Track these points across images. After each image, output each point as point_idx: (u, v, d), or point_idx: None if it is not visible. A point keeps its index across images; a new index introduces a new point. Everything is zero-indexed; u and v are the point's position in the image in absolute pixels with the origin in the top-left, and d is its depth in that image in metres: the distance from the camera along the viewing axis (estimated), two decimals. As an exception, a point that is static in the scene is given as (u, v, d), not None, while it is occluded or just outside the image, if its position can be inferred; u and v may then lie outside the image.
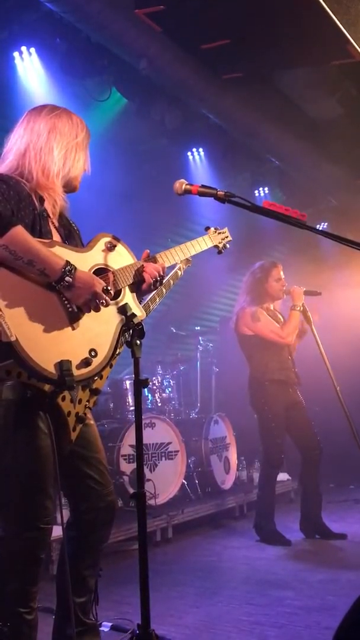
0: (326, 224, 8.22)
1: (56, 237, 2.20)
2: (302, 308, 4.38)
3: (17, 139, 2.22)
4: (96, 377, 2.15)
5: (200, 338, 6.41)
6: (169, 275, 2.72)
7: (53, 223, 2.23)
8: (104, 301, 2.09)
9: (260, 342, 4.47)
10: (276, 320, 4.51)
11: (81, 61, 4.84)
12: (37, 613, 2.14)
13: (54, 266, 2.00)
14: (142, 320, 2.19)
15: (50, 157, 2.19)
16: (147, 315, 2.45)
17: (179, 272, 2.78)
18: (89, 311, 2.09)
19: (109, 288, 2.14)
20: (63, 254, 2.07)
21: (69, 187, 2.29)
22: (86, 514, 2.23)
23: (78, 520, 2.25)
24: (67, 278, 2.01)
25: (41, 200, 2.16)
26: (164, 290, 2.69)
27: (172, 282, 2.74)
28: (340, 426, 4.66)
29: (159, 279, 2.32)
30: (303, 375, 4.69)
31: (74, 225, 2.37)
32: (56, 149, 2.20)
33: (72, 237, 2.30)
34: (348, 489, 6.33)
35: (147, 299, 2.63)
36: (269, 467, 4.52)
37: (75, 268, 2.04)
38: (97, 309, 2.10)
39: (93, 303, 2.07)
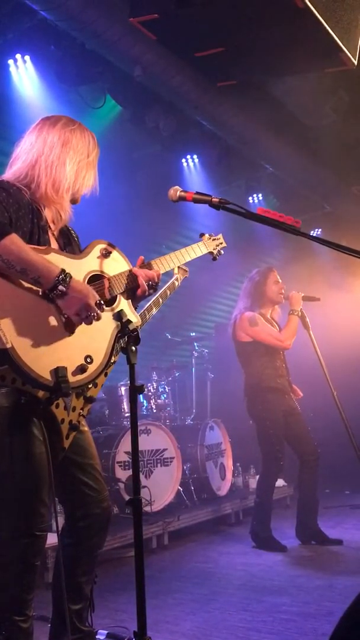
0: (320, 230, 8.26)
1: (54, 245, 2.20)
2: (300, 313, 4.41)
3: (28, 148, 2.22)
4: (90, 385, 2.15)
5: (195, 344, 6.42)
6: (165, 285, 2.72)
7: (52, 232, 2.23)
8: (95, 314, 2.06)
9: (257, 349, 4.48)
10: (272, 327, 4.52)
11: (76, 68, 4.86)
12: (33, 621, 2.13)
13: (48, 274, 2.00)
14: (137, 326, 2.19)
15: (62, 172, 2.19)
16: (143, 325, 2.46)
17: (176, 283, 2.78)
18: (80, 323, 2.06)
19: (102, 302, 2.13)
20: (58, 260, 2.07)
21: (72, 201, 2.29)
22: (81, 521, 2.23)
23: (73, 526, 2.25)
24: (60, 287, 2.00)
25: (42, 209, 2.16)
26: (160, 300, 2.69)
27: (168, 292, 2.75)
28: (335, 432, 4.67)
29: (153, 285, 2.33)
30: (298, 381, 4.70)
31: (73, 232, 2.37)
32: (68, 165, 2.21)
33: (71, 245, 2.30)
34: (344, 495, 6.33)
35: (144, 308, 2.63)
36: (268, 474, 4.51)
37: (71, 277, 2.03)
38: (88, 322, 2.06)
39: (84, 314, 2.04)
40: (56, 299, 2.03)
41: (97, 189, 2.34)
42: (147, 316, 2.62)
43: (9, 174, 2.19)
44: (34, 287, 2.01)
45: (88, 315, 2.05)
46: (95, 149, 2.31)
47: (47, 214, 2.20)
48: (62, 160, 2.20)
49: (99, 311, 2.08)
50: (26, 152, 2.21)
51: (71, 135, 2.23)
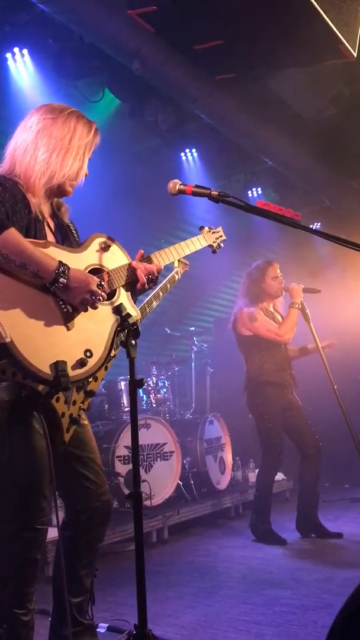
0: (319, 224, 8.24)
1: (51, 239, 2.19)
2: (300, 305, 4.39)
3: (14, 136, 2.20)
4: (91, 379, 2.15)
5: (195, 339, 6.42)
6: (166, 279, 2.72)
7: (49, 225, 2.22)
8: (100, 297, 2.09)
9: (257, 342, 4.47)
10: (274, 320, 4.52)
11: (74, 62, 4.83)
12: (34, 615, 2.13)
13: (47, 268, 1.99)
14: (137, 320, 2.19)
15: (33, 158, 2.13)
16: (143, 318, 2.45)
17: (176, 276, 2.78)
18: (86, 310, 2.09)
19: (103, 283, 2.13)
20: (57, 254, 2.07)
21: (58, 192, 2.23)
22: (82, 514, 2.23)
23: (73, 520, 2.25)
24: (61, 279, 2.01)
25: (34, 201, 2.15)
26: (160, 293, 2.69)
27: (169, 285, 2.74)
28: (335, 425, 4.68)
29: (153, 279, 2.32)
30: (298, 374, 4.70)
31: (72, 226, 2.35)
32: (40, 150, 2.13)
33: (69, 240, 2.28)
34: (343, 488, 6.35)
35: (144, 301, 2.63)
36: (267, 468, 4.52)
37: (69, 268, 2.03)
38: (94, 307, 2.09)
39: (90, 301, 2.07)
40: (58, 292, 2.03)
41: (82, 180, 2.24)
42: (148, 310, 2.62)
43: (4, 167, 2.18)
44: (34, 281, 2.01)
45: (94, 301, 2.06)
46: (84, 137, 2.20)
47: (42, 207, 2.18)
48: (36, 146, 2.13)
49: (102, 293, 2.09)
50: (11, 140, 2.20)
51: (51, 121, 2.16)
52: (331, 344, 4.55)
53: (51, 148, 2.15)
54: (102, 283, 2.12)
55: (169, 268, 2.62)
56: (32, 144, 2.14)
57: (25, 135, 2.16)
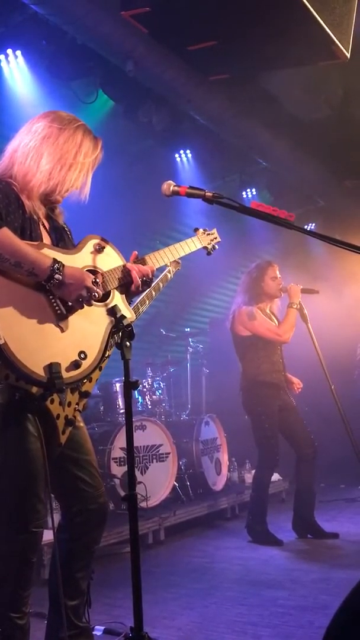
0: (314, 224, 8.26)
1: (46, 240, 2.19)
2: (298, 306, 4.40)
3: (16, 137, 2.19)
4: (85, 380, 2.14)
5: (190, 340, 6.41)
6: (158, 278, 2.71)
7: (44, 226, 2.21)
8: (95, 294, 2.08)
9: (254, 343, 4.48)
10: (271, 321, 4.52)
11: (68, 63, 4.83)
12: (29, 618, 2.12)
13: (41, 265, 1.99)
14: (131, 322, 2.19)
15: (34, 164, 2.13)
16: (136, 318, 2.45)
17: (169, 275, 2.77)
18: (82, 307, 2.08)
19: (98, 280, 2.13)
20: (51, 255, 2.06)
21: (50, 200, 2.23)
22: (78, 516, 2.22)
23: (69, 522, 2.24)
24: (56, 276, 2.01)
25: (27, 202, 2.15)
26: (153, 293, 2.68)
27: (161, 284, 2.74)
28: (331, 426, 4.68)
29: (147, 280, 2.31)
30: (295, 374, 4.70)
31: (66, 228, 2.35)
32: (44, 159, 2.13)
33: (63, 241, 2.28)
34: (339, 489, 6.35)
35: (137, 301, 2.62)
36: (264, 468, 4.52)
37: (64, 265, 2.03)
38: (90, 303, 2.09)
39: (86, 298, 2.06)
40: (54, 289, 2.02)
41: (87, 195, 2.24)
42: (141, 309, 2.62)
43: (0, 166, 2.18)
44: (27, 282, 2.00)
45: (89, 297, 2.06)
46: (90, 155, 2.22)
47: (37, 209, 2.18)
48: (39, 152, 2.13)
49: (98, 290, 2.09)
50: (13, 140, 2.19)
51: (58, 131, 2.16)
52: (298, 387, 4.64)
53: (55, 160, 2.15)
54: (97, 280, 2.12)
55: (161, 267, 2.62)
56: (35, 150, 2.14)
57: (29, 139, 2.16)
